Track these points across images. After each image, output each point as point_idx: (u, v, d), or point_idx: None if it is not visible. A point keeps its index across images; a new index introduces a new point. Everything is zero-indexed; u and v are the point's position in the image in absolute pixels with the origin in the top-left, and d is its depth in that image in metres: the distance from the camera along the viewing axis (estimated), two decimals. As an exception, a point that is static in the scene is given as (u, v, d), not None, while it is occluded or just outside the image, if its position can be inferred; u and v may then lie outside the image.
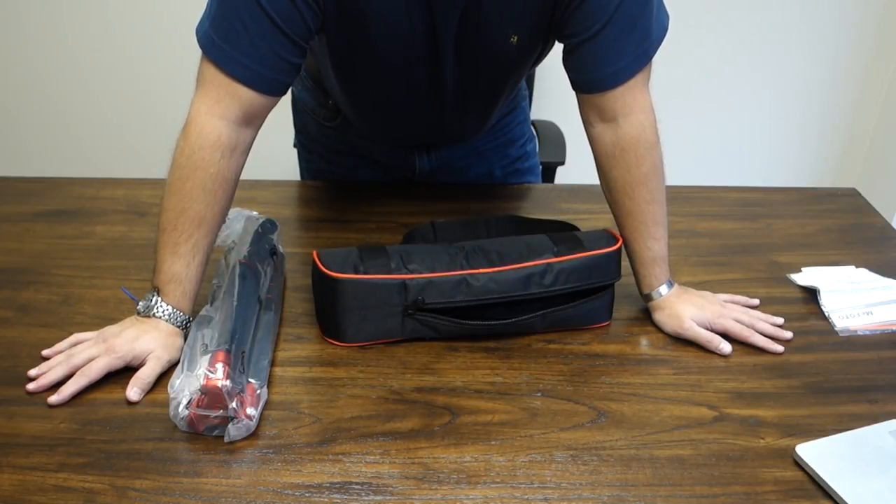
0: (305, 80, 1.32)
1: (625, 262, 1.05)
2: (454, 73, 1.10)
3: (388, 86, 1.13)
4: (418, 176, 1.36)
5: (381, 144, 1.33)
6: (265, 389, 0.88)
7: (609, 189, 1.07)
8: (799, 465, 0.84)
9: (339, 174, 1.39)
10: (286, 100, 1.03)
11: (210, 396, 0.81)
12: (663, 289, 1.04)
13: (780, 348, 1.01)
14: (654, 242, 1.04)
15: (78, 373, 0.90)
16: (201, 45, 0.96)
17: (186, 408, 0.82)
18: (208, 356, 0.85)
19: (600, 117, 1.04)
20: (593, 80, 1.02)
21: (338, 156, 1.38)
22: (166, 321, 0.94)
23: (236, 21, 0.93)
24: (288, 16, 0.94)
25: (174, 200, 0.95)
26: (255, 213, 1.11)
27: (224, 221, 1.01)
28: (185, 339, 0.93)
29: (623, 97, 1.02)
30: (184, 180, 0.95)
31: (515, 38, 1.05)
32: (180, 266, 0.94)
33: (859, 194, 1.41)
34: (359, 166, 1.37)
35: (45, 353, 0.95)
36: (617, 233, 1.05)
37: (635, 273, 1.06)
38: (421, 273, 0.95)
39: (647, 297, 1.06)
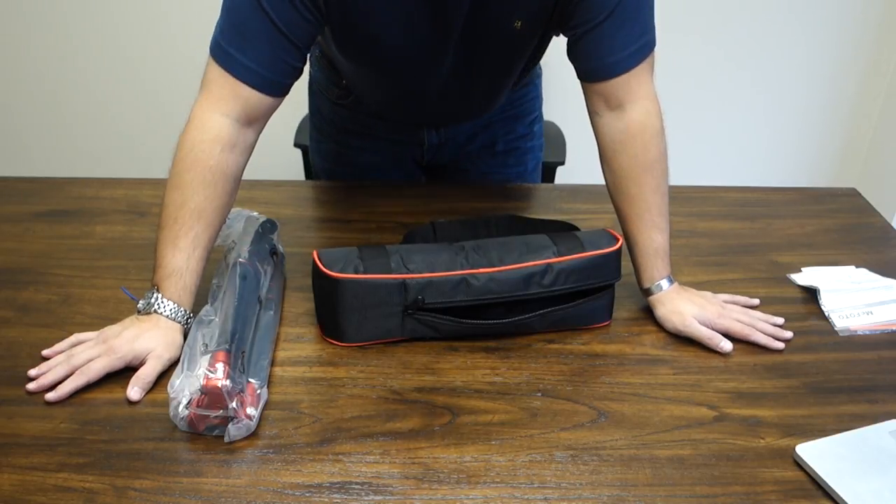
0: (320, 59, 1.35)
1: (625, 262, 1.05)
2: (459, 60, 1.12)
3: (392, 74, 1.16)
4: (427, 150, 1.38)
5: (391, 122, 1.36)
6: (265, 389, 0.88)
7: (614, 178, 1.07)
8: (799, 465, 0.84)
9: (348, 155, 1.41)
10: (288, 101, 1.04)
11: (210, 396, 0.81)
12: (664, 283, 1.04)
13: (781, 345, 1.01)
14: (658, 234, 1.04)
15: (77, 372, 0.90)
16: (210, 52, 0.99)
17: (186, 408, 0.82)
18: (208, 356, 0.85)
19: (607, 105, 1.05)
20: (598, 67, 1.04)
21: (347, 136, 1.40)
22: (167, 317, 0.94)
23: (242, 27, 0.97)
24: (291, 22, 0.97)
25: (175, 195, 0.96)
26: (255, 213, 1.12)
27: (225, 220, 1.02)
28: (186, 337, 0.93)
29: (628, 83, 1.03)
30: (183, 174, 0.96)
31: (520, 23, 1.07)
32: (181, 259, 0.95)
33: (859, 194, 1.41)
34: (367, 148, 1.40)
35: (45, 353, 0.95)
36: (617, 233, 1.05)
37: (636, 266, 1.06)
38: (421, 273, 0.95)
39: (647, 292, 1.05)
